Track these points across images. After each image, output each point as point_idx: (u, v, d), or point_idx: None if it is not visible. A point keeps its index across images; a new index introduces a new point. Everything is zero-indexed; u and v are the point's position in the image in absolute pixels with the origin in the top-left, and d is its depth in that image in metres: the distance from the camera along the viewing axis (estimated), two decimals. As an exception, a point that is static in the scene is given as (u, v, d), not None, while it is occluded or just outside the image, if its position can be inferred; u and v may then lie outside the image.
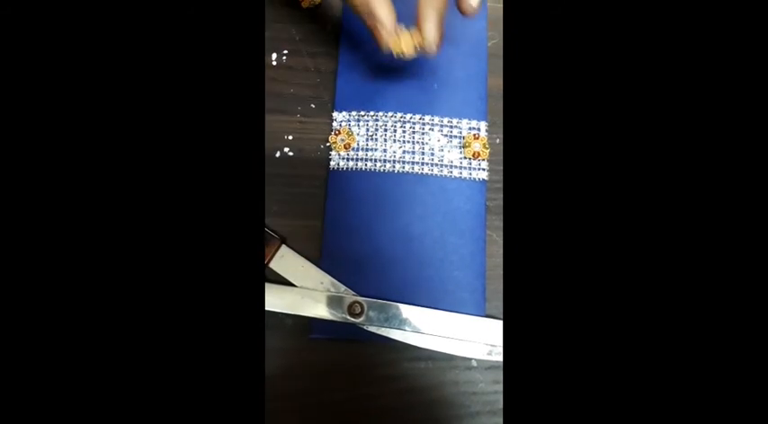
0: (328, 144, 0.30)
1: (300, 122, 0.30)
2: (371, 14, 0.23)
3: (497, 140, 0.31)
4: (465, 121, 0.30)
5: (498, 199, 0.29)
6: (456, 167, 0.30)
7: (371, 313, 0.26)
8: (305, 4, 0.32)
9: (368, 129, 0.30)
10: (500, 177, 0.30)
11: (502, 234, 0.28)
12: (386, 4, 0.24)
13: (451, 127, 0.30)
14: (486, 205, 0.29)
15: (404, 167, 0.29)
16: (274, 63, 0.31)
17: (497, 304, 0.27)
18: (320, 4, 0.32)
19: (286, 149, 0.29)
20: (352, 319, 0.26)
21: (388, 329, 0.26)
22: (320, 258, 0.27)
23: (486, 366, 0.26)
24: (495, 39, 0.32)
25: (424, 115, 0.30)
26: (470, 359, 0.26)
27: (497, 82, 0.31)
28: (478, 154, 0.30)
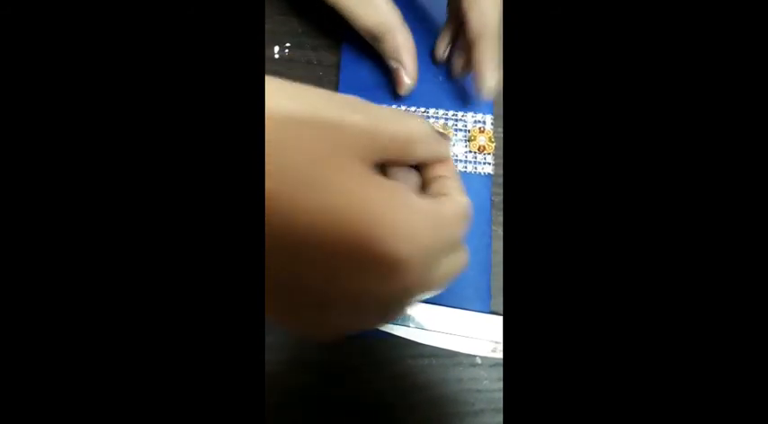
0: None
1: (303, 116, 0.30)
2: (399, 59, 0.27)
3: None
4: (470, 114, 0.30)
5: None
6: (461, 161, 0.29)
7: (374, 310, 0.26)
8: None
9: (371, 123, 0.30)
10: (503, 171, 0.29)
11: (507, 229, 0.28)
12: (412, 53, 0.27)
13: (456, 120, 0.30)
14: (491, 199, 0.28)
15: (408, 161, 0.29)
16: (276, 56, 0.31)
17: (502, 300, 0.27)
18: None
19: (288, 143, 0.29)
20: (355, 315, 0.26)
21: (391, 325, 0.26)
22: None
23: (491, 363, 0.26)
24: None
25: (428, 108, 0.30)
26: (474, 356, 0.26)
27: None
28: (484, 148, 0.29)
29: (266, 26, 0.31)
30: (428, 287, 0.17)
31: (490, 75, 0.25)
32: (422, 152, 0.19)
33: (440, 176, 0.20)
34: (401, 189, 0.16)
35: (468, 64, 0.27)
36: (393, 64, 0.28)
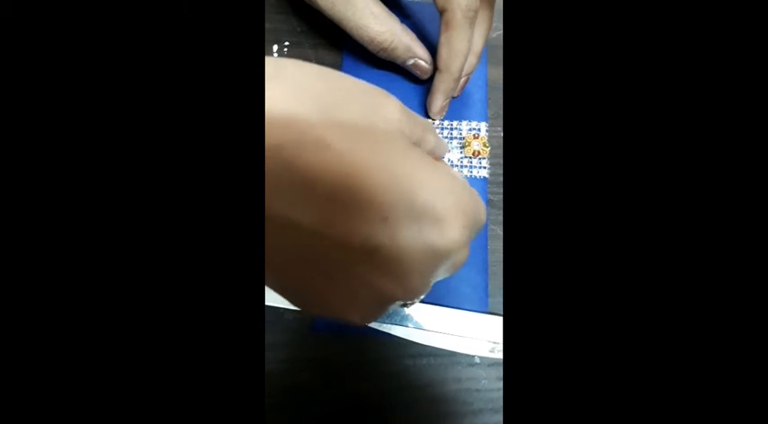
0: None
1: (302, 116, 0.30)
2: (414, 54, 0.29)
3: (500, 132, 0.31)
4: (465, 123, 0.31)
5: (501, 193, 0.29)
6: (457, 166, 0.30)
7: (374, 309, 0.26)
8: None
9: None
10: (502, 171, 0.30)
11: (504, 230, 0.28)
12: (420, 43, 0.29)
13: (452, 129, 0.31)
14: (487, 200, 0.29)
15: (406, 165, 0.29)
16: (276, 55, 0.31)
17: (500, 300, 0.27)
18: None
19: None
20: (354, 314, 0.25)
21: (389, 325, 0.26)
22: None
23: (489, 363, 0.26)
24: (500, 31, 0.32)
25: (425, 119, 0.31)
26: (473, 356, 0.26)
27: (499, 73, 0.32)
28: (478, 153, 0.30)
29: (265, 25, 0.31)
30: (462, 257, 0.17)
31: (436, 101, 0.29)
32: (433, 141, 0.20)
33: None
34: (442, 162, 0.17)
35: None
36: (409, 61, 0.29)
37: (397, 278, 0.15)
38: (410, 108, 0.30)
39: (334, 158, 0.14)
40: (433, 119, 0.31)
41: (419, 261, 0.15)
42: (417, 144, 0.18)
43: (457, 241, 0.15)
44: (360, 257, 0.15)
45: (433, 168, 0.16)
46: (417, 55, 0.29)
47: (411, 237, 0.15)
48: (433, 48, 0.29)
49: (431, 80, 0.31)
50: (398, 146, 0.15)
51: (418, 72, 0.30)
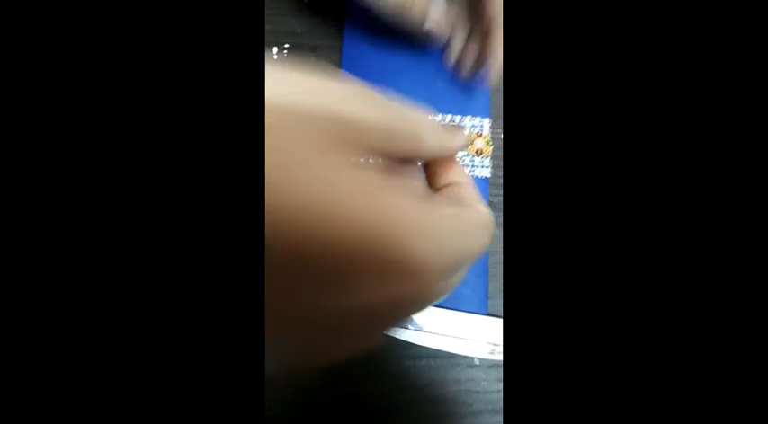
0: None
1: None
2: (428, 10, 0.26)
3: (501, 135, 0.31)
4: (468, 118, 0.30)
5: (502, 195, 0.29)
6: (458, 165, 0.30)
7: (374, 310, 0.26)
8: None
9: (370, 125, 0.30)
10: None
11: (504, 231, 0.28)
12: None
13: (454, 124, 0.31)
14: (488, 202, 0.29)
15: (406, 164, 0.29)
16: (275, 57, 0.31)
17: (500, 302, 0.27)
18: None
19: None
20: (354, 315, 0.25)
21: (389, 326, 0.26)
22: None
23: (489, 364, 0.26)
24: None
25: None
26: (472, 358, 0.26)
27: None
28: (481, 152, 0.30)
29: (265, 26, 0.31)
30: (440, 296, 0.16)
31: (499, 64, 0.27)
32: (433, 147, 0.18)
33: (455, 182, 0.19)
34: (421, 192, 0.15)
35: (480, 58, 0.28)
36: (426, 25, 0.27)
37: (374, 332, 0.15)
38: (416, 101, 0.30)
39: (278, 213, 0.13)
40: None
41: (393, 314, 0.15)
42: (410, 155, 0.17)
43: (434, 286, 0.14)
44: (332, 318, 0.14)
45: (409, 209, 0.14)
46: (433, 11, 0.26)
47: (383, 294, 0.13)
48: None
49: (431, 75, 0.31)
50: (362, 186, 0.14)
51: (436, 35, 0.27)
